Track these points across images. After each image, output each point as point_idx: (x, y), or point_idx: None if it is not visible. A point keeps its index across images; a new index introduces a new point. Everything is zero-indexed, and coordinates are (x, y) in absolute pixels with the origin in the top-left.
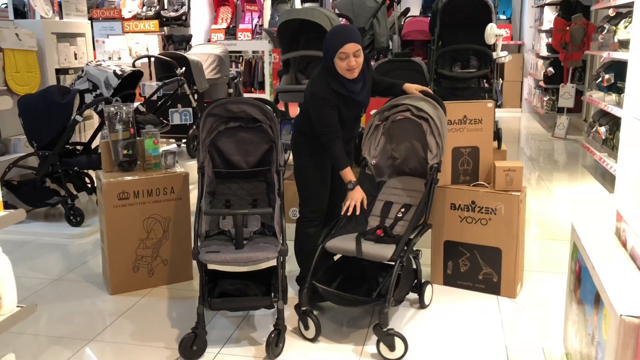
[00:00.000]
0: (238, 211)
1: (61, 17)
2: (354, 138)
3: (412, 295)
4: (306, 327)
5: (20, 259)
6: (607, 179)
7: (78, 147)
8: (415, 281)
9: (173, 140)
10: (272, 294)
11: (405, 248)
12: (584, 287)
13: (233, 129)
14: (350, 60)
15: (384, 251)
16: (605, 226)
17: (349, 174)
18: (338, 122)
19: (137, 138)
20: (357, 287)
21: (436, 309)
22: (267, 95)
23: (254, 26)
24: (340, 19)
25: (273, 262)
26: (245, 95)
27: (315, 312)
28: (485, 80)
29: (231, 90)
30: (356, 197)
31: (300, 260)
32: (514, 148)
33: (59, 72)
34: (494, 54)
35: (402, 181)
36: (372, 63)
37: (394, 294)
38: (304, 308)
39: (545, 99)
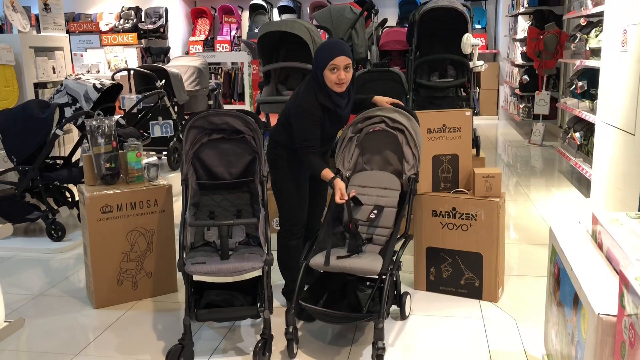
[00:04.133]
0: (223, 222)
1: (39, 31)
2: (329, 150)
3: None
4: (291, 355)
5: (1, 275)
6: (583, 184)
7: (58, 161)
8: (395, 292)
9: (153, 153)
10: (258, 304)
11: (394, 260)
12: (563, 289)
13: (216, 140)
14: (340, 73)
15: (373, 265)
16: (582, 229)
17: (328, 174)
18: (319, 136)
19: (120, 151)
20: (343, 303)
21: (419, 316)
22: (247, 106)
23: (232, 38)
24: (320, 30)
25: (258, 272)
26: (225, 106)
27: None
28: (462, 89)
29: (211, 102)
30: (340, 186)
31: (284, 273)
32: (492, 155)
33: (37, 86)
34: (471, 64)
35: (369, 177)
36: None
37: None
38: (290, 330)
39: (521, 106)
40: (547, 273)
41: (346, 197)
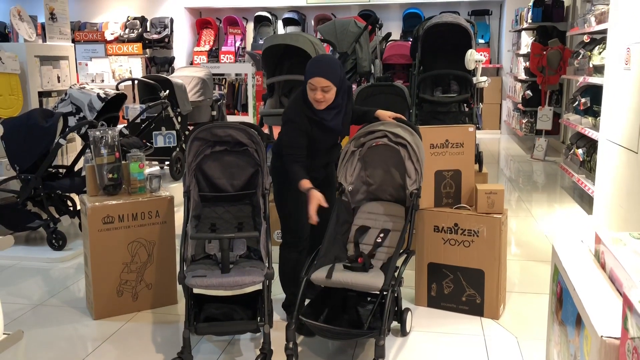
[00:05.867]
0: (224, 235)
1: (44, 40)
2: (332, 162)
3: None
4: None
5: (0, 284)
6: (585, 200)
7: (60, 170)
8: (396, 308)
9: (156, 163)
10: (258, 318)
11: (395, 276)
12: (565, 308)
13: (219, 152)
14: (317, 93)
15: (374, 281)
16: (585, 248)
17: (305, 184)
18: (303, 146)
19: (122, 162)
20: (343, 319)
21: (420, 333)
22: (250, 117)
23: (236, 49)
24: (324, 44)
25: (259, 286)
26: (229, 117)
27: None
28: (465, 105)
29: (214, 113)
30: (317, 196)
31: (285, 287)
32: (494, 169)
33: (42, 95)
34: (474, 79)
35: (377, 206)
36: (354, 87)
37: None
38: (290, 346)
39: (524, 121)
40: (549, 291)
41: (315, 219)
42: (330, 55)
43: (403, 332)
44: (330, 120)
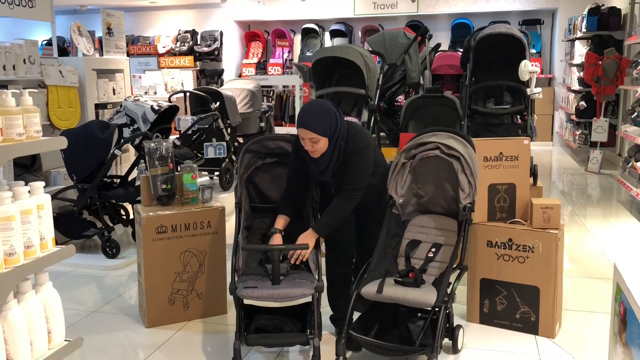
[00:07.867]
0: (275, 246)
1: (101, 54)
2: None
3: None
4: None
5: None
6: None
7: (115, 180)
8: (448, 325)
9: (205, 173)
10: (308, 331)
11: (448, 293)
12: (630, 330)
13: (270, 164)
14: (306, 143)
15: (427, 297)
16: None
17: (279, 221)
18: (294, 178)
19: (176, 173)
20: (394, 334)
21: (472, 350)
22: None
23: (284, 61)
24: (373, 55)
25: (308, 298)
26: (276, 129)
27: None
28: (519, 116)
29: (263, 124)
30: (274, 240)
31: (331, 302)
32: (546, 182)
33: (98, 106)
34: (528, 90)
35: (429, 219)
36: (402, 99)
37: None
38: None
39: (578, 132)
40: (610, 311)
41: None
42: (321, 103)
43: (454, 350)
44: (321, 174)
